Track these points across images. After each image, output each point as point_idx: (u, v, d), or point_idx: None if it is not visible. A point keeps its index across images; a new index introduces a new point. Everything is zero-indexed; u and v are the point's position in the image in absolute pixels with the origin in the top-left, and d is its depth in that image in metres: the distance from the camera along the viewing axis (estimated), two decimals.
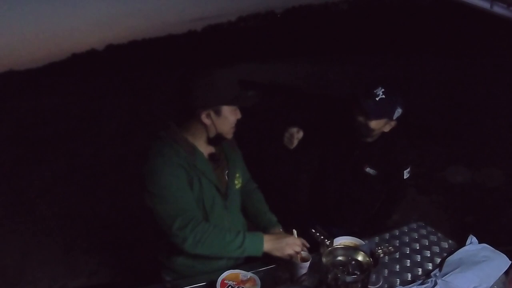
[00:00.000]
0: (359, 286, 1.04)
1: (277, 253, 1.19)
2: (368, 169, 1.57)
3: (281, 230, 1.36)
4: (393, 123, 1.47)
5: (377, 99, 1.38)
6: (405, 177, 1.57)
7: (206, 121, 1.15)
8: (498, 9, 1.41)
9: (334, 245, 1.17)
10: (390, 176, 1.59)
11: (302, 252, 1.21)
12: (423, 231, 1.50)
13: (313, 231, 1.25)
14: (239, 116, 1.21)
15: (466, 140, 4.62)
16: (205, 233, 1.13)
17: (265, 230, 1.35)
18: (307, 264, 1.19)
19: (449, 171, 3.84)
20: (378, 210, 1.72)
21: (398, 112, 1.43)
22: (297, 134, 1.45)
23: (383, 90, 1.38)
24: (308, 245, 1.24)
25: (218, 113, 1.15)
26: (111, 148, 6.31)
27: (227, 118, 1.17)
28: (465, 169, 3.75)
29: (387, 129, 1.48)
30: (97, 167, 5.31)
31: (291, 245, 1.19)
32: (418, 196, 3.50)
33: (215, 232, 1.15)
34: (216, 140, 1.23)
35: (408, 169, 1.57)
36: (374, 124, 1.42)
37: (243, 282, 1.15)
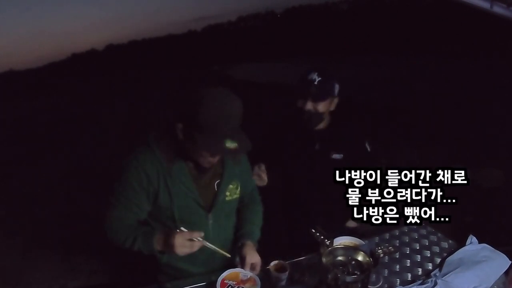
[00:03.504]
0: (359, 286, 1.04)
1: (178, 252, 1.08)
2: (334, 155, 1.57)
3: (253, 245, 1.25)
4: (336, 100, 1.52)
5: (315, 83, 1.43)
6: (369, 150, 1.61)
7: (179, 133, 1.09)
8: (498, 9, 1.41)
9: (334, 245, 1.17)
10: (356, 154, 1.58)
11: (279, 261, 1.19)
12: (423, 231, 1.50)
13: (313, 231, 1.25)
14: (214, 158, 1.11)
15: (466, 140, 4.61)
16: (109, 229, 1.23)
17: (237, 240, 1.29)
18: (284, 275, 1.15)
19: None
20: None
21: (337, 87, 1.50)
22: (260, 170, 1.42)
23: (317, 73, 1.45)
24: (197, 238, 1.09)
25: (187, 135, 1.08)
26: (110, 148, 6.30)
27: (197, 149, 1.08)
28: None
29: (333, 107, 1.52)
30: (97, 167, 5.30)
31: (180, 247, 1.06)
32: None
33: (117, 224, 1.22)
34: (188, 157, 1.14)
35: (368, 142, 1.61)
36: (322, 106, 1.47)
37: (243, 282, 1.15)
